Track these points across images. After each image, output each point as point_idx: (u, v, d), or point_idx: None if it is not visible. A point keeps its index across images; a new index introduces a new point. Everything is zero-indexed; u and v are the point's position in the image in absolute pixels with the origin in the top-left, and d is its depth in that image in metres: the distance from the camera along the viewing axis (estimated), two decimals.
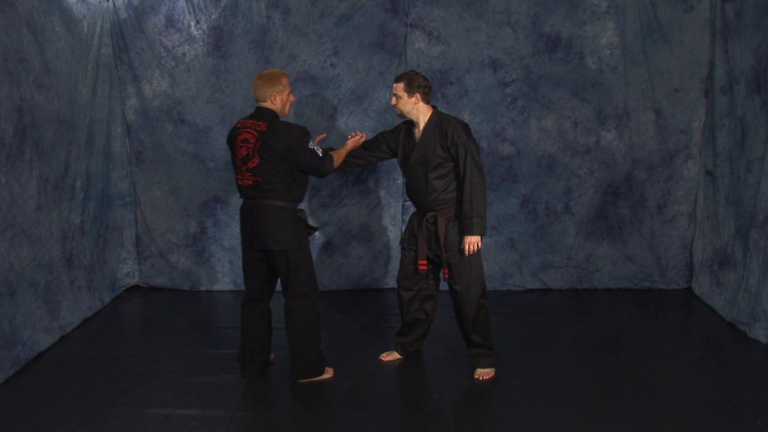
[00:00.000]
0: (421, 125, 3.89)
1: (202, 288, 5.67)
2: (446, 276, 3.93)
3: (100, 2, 5.08)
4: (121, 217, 5.50)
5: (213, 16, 5.25)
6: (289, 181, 3.77)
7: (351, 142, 4.12)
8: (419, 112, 3.88)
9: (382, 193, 5.54)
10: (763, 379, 4.00)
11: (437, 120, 3.86)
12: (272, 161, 3.70)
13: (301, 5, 5.24)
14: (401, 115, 3.93)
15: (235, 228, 5.54)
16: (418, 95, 3.83)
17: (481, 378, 3.96)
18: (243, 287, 5.53)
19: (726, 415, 3.52)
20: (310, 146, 3.74)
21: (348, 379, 3.97)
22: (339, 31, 5.28)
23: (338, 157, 3.99)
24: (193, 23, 5.24)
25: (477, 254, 3.87)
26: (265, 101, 3.80)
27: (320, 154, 3.79)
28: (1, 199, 3.84)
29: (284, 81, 3.83)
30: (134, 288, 5.69)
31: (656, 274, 5.66)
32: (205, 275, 5.65)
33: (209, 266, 5.64)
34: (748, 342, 4.51)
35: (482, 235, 3.81)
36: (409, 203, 5.50)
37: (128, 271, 5.64)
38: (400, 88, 3.85)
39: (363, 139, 4.15)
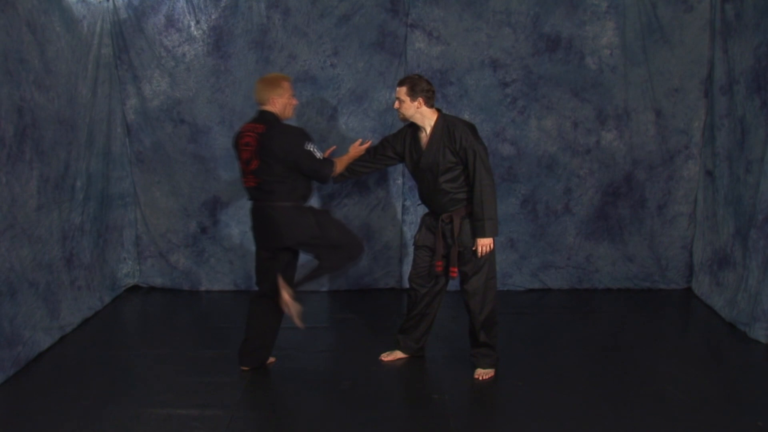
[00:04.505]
0: (428, 129, 3.88)
1: (202, 288, 5.67)
2: (453, 275, 3.94)
3: (100, 2, 5.07)
4: (121, 217, 5.50)
5: (213, 16, 5.25)
6: (291, 183, 3.79)
7: (353, 150, 4.11)
8: (423, 116, 3.87)
9: (382, 193, 5.54)
10: (763, 379, 4.00)
11: (443, 124, 3.84)
12: (271, 163, 3.73)
13: (301, 5, 5.24)
14: (404, 119, 3.93)
15: (235, 228, 5.55)
16: (420, 99, 3.83)
17: (480, 378, 3.97)
18: (243, 287, 5.61)
19: (726, 415, 3.52)
20: (307, 148, 3.75)
21: (348, 379, 3.97)
22: (339, 31, 5.28)
23: (339, 163, 3.98)
24: (193, 23, 5.24)
25: (492, 255, 3.89)
26: (265, 104, 3.84)
27: (319, 157, 3.79)
28: (2, 199, 3.85)
29: (285, 84, 3.86)
30: (134, 288, 5.69)
31: (656, 274, 5.66)
32: (205, 275, 5.65)
33: (209, 266, 5.64)
34: (748, 342, 4.52)
35: (494, 237, 3.82)
36: (409, 203, 5.50)
37: (128, 271, 5.64)
38: (402, 92, 3.84)
39: (366, 146, 4.13)
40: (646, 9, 5.26)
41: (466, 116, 5.31)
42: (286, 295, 3.83)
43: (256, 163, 3.75)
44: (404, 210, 5.55)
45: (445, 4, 5.26)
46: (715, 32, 5.16)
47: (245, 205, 5.45)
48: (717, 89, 5.14)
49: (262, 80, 3.90)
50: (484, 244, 3.81)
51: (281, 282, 3.83)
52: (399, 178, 5.48)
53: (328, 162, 3.87)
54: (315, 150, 3.79)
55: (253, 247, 5.48)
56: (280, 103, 3.83)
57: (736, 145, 4.90)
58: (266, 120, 3.81)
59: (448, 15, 5.28)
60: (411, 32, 5.31)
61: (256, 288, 5.54)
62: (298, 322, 3.89)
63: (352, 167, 4.12)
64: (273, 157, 3.72)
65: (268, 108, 3.83)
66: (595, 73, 5.36)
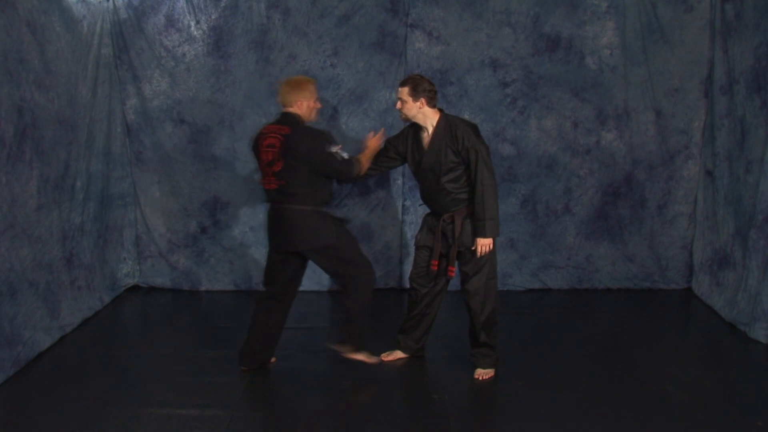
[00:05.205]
0: (430, 129, 3.88)
1: (202, 288, 5.66)
2: (451, 275, 3.94)
3: (100, 2, 5.08)
4: (121, 217, 5.50)
5: (213, 16, 5.25)
6: (313, 186, 3.78)
7: (371, 143, 4.04)
8: (425, 116, 3.87)
9: (382, 193, 5.54)
10: (763, 379, 4.00)
11: (446, 124, 3.85)
12: (295, 165, 3.72)
13: (301, 5, 5.24)
14: (406, 119, 3.93)
15: (235, 228, 5.54)
16: (423, 99, 3.83)
17: (481, 378, 3.97)
18: (243, 287, 5.60)
19: (726, 415, 3.52)
20: (330, 150, 3.74)
21: (348, 379, 3.97)
22: (339, 31, 5.28)
23: (363, 161, 3.94)
24: (193, 23, 5.24)
25: (492, 254, 3.89)
26: (290, 106, 3.83)
27: (343, 158, 3.78)
28: (2, 199, 3.84)
29: (310, 87, 3.86)
30: (134, 288, 5.68)
31: (656, 274, 5.66)
32: (205, 275, 5.65)
33: (209, 266, 5.64)
34: (748, 342, 4.52)
35: (495, 237, 3.83)
36: (409, 203, 5.50)
37: (128, 271, 5.64)
38: (404, 92, 3.84)
39: (381, 135, 4.08)
40: (646, 9, 5.26)
41: (466, 116, 5.30)
42: (363, 357, 4.03)
43: (281, 164, 3.74)
44: (404, 210, 5.55)
45: (445, 4, 5.26)
46: (715, 32, 5.16)
47: (245, 205, 5.47)
48: (717, 89, 5.15)
49: (288, 82, 3.89)
50: (484, 244, 3.81)
51: (352, 354, 4.02)
52: (399, 178, 5.48)
53: (352, 162, 3.83)
54: (338, 151, 3.77)
55: (253, 247, 5.54)
56: (305, 105, 3.83)
57: (736, 145, 4.90)
58: (291, 122, 3.79)
59: (448, 15, 5.28)
60: (411, 32, 5.31)
61: (255, 287, 5.57)
62: (372, 360, 4.08)
63: None
64: (298, 160, 3.71)
65: (293, 110, 3.82)
66: (595, 73, 5.36)
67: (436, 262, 3.97)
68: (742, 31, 4.80)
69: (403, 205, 5.54)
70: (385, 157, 4.09)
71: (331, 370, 4.14)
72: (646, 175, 5.51)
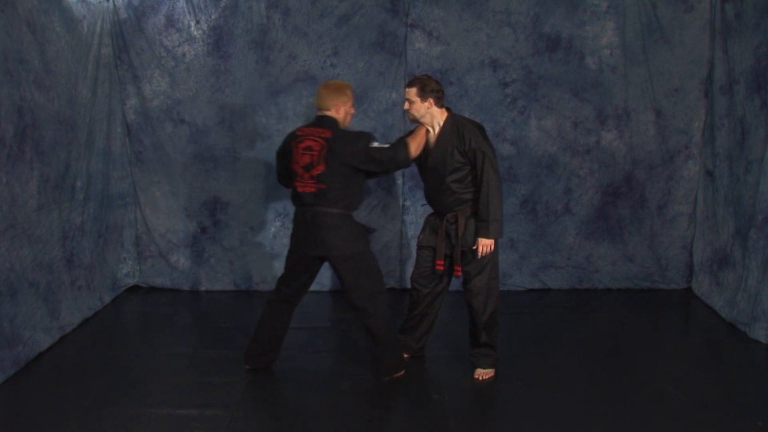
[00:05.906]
0: (436, 129, 3.88)
1: (202, 288, 5.66)
2: (458, 274, 3.94)
3: (100, 2, 5.07)
4: (121, 217, 5.50)
5: (213, 16, 5.25)
6: (350, 189, 3.77)
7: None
8: (433, 116, 3.87)
9: (382, 193, 5.54)
10: (763, 379, 4.00)
11: (453, 124, 3.84)
12: (337, 168, 3.70)
13: (301, 5, 5.24)
14: (414, 120, 3.92)
15: (235, 228, 5.54)
16: (431, 100, 3.82)
17: (481, 378, 3.97)
18: (243, 287, 5.60)
19: (726, 415, 3.52)
20: (372, 145, 3.73)
21: (348, 379, 3.97)
22: (339, 31, 5.28)
23: (413, 141, 3.83)
24: (193, 23, 5.24)
25: (495, 255, 3.89)
26: (328, 110, 3.81)
27: (385, 146, 3.75)
28: (2, 199, 3.84)
29: (349, 93, 3.85)
30: (134, 288, 5.68)
31: (656, 274, 5.66)
32: (205, 275, 5.65)
33: (209, 266, 5.64)
34: (748, 342, 4.52)
35: (498, 238, 3.83)
36: (409, 203, 5.50)
37: (128, 271, 5.64)
38: (412, 93, 3.84)
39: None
40: (646, 9, 5.26)
41: (466, 116, 5.30)
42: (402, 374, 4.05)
43: (323, 167, 3.70)
44: (404, 210, 5.55)
45: (445, 4, 5.26)
46: (715, 32, 5.17)
47: (245, 205, 5.47)
48: (717, 89, 5.15)
49: (326, 86, 3.87)
50: (486, 244, 3.81)
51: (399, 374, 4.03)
52: (399, 178, 5.48)
53: (399, 145, 3.78)
54: (380, 144, 3.75)
55: (253, 247, 5.54)
56: (343, 110, 3.82)
57: (736, 145, 4.90)
58: (330, 125, 3.77)
59: (448, 15, 5.28)
60: (411, 32, 5.31)
61: (255, 287, 5.57)
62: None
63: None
64: (341, 162, 3.69)
65: (330, 114, 3.80)
66: (595, 73, 5.36)
67: (441, 262, 3.96)
68: (742, 31, 4.80)
69: (403, 205, 5.54)
70: None
71: (331, 370, 4.15)
72: (646, 175, 5.51)
